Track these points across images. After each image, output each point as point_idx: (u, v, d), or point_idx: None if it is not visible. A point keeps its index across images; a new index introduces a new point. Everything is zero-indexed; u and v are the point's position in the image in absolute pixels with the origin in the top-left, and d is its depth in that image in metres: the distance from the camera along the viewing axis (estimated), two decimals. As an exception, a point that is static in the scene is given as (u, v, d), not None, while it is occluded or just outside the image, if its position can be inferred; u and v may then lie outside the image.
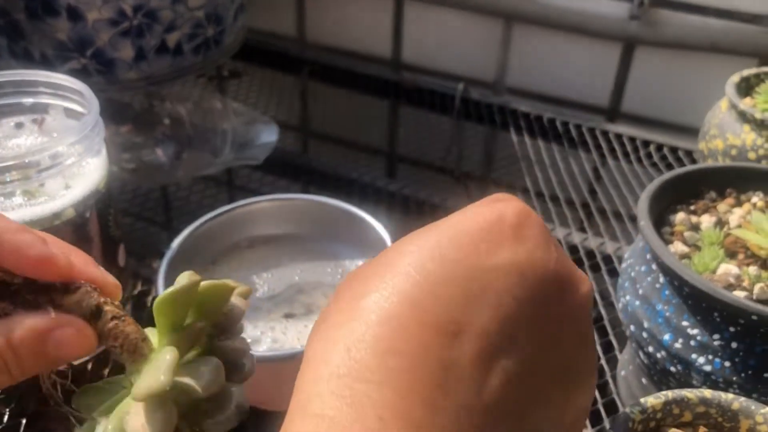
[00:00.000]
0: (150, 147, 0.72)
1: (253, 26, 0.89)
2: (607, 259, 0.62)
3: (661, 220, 0.46)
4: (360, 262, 0.53)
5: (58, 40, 0.70)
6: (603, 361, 0.53)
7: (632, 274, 0.44)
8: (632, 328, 0.44)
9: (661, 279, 0.42)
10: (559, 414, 0.25)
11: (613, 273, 0.60)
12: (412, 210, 0.68)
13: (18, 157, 0.42)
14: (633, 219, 0.67)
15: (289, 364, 0.43)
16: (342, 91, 0.90)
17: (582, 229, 0.66)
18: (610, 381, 0.51)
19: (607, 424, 0.48)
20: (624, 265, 0.47)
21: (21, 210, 0.43)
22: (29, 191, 0.44)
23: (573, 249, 0.63)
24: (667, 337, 0.41)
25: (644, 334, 0.42)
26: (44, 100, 0.49)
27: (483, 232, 0.24)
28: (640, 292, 0.43)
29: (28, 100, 0.49)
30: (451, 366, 0.22)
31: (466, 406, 0.22)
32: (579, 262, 0.62)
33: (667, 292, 0.41)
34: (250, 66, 0.92)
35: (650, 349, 0.42)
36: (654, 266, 0.43)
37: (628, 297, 0.44)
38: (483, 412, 0.22)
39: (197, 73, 0.79)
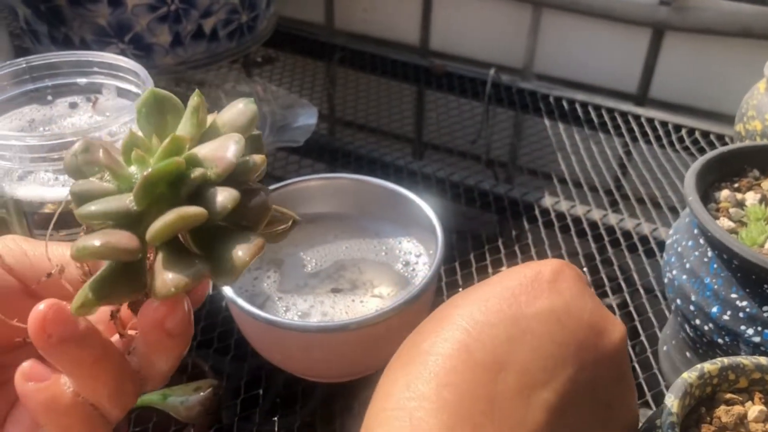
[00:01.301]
0: (191, 130, 0.73)
1: (283, 14, 0.89)
2: (644, 239, 0.63)
3: (706, 197, 0.47)
4: (403, 240, 0.54)
5: (97, 26, 0.71)
6: (643, 337, 0.54)
7: (678, 249, 0.45)
8: (678, 301, 0.44)
9: (709, 253, 0.43)
10: None
11: (650, 253, 0.61)
12: (446, 192, 0.69)
13: (77, 133, 0.43)
14: (667, 201, 0.68)
15: (339, 335, 0.44)
16: (372, 77, 0.91)
17: (618, 211, 0.67)
18: (651, 356, 0.52)
19: (649, 397, 0.49)
20: (669, 241, 0.47)
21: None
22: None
23: (610, 230, 0.64)
24: (715, 309, 0.41)
25: (691, 307, 0.43)
26: (98, 79, 0.50)
27: (522, 286, 0.29)
28: (687, 266, 0.44)
29: (82, 80, 0.50)
30: (496, 397, 0.25)
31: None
32: (616, 243, 0.63)
33: (715, 266, 0.42)
34: (281, 52, 0.93)
35: (697, 321, 0.43)
36: (702, 240, 0.43)
37: (674, 272, 0.45)
38: None
39: (231, 58, 0.80)
